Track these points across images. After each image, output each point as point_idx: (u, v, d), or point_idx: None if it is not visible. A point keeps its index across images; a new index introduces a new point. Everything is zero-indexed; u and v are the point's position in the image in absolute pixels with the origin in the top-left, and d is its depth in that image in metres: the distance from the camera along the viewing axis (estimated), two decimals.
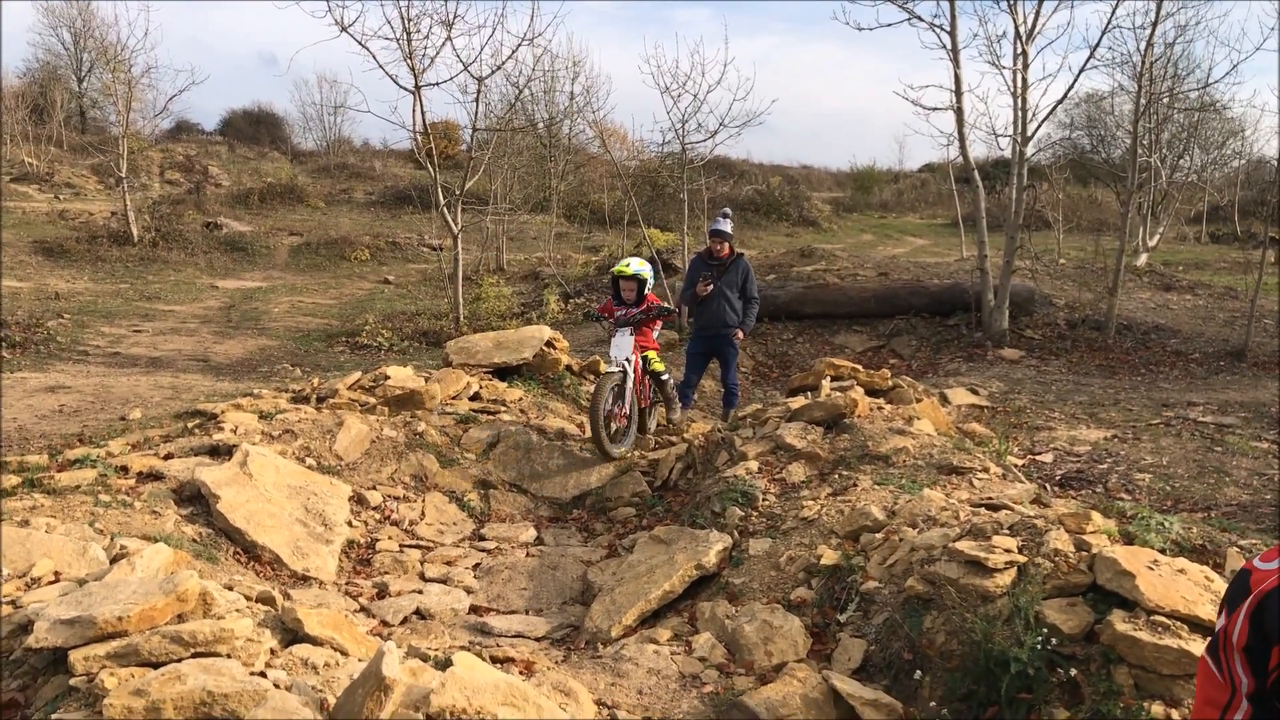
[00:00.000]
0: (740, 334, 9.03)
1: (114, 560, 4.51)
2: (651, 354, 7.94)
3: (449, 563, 6.24)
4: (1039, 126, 12.99)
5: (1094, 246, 16.95)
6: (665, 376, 8.06)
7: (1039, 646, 4.06)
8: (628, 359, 7.48)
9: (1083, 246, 18.81)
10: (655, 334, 8.09)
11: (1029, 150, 13.24)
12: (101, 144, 26.77)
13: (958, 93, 12.91)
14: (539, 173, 21.82)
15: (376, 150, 38.89)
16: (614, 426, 7.50)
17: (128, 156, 19.67)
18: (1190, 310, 14.12)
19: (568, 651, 5.16)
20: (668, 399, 8.24)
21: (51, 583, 4.25)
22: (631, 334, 7.57)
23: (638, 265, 7.79)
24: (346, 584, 5.80)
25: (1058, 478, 7.23)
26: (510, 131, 18.03)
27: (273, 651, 3.53)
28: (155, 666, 3.21)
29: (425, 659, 3.64)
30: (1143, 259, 18.08)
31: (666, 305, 7.90)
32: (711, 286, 8.85)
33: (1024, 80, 12.64)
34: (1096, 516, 4.64)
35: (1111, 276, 12.59)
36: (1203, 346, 12.00)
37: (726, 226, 9.06)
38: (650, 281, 7.87)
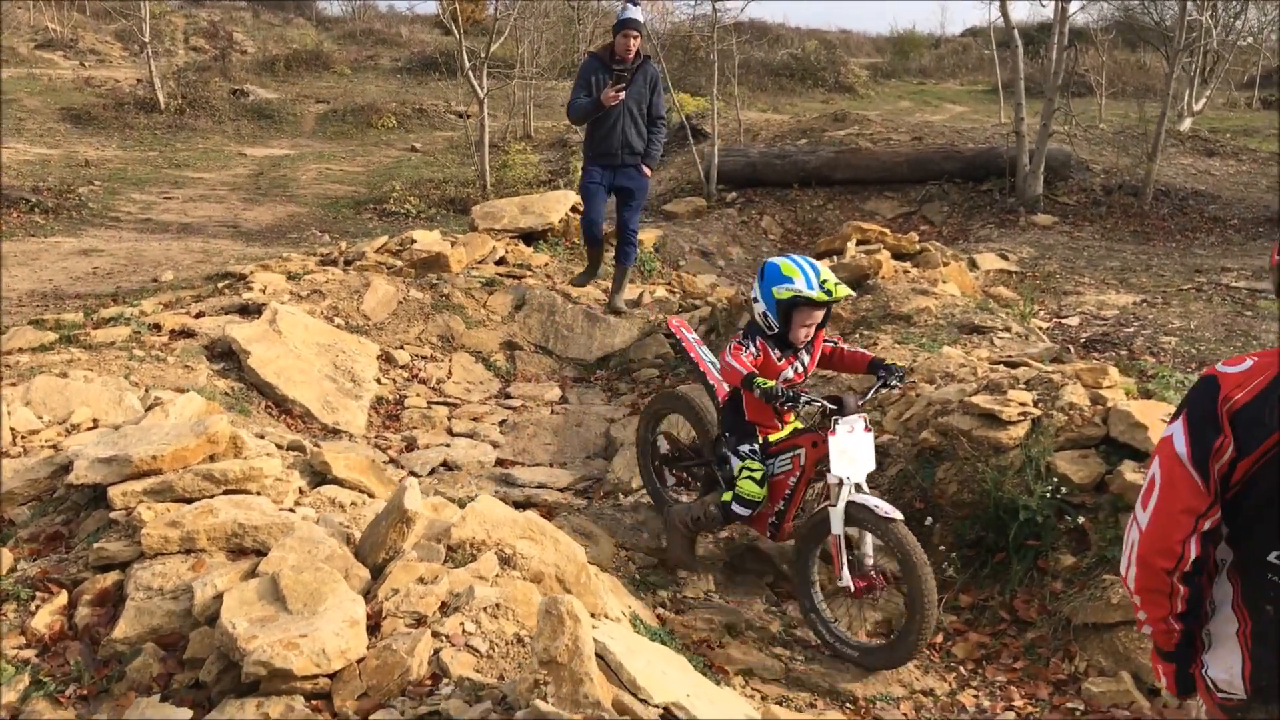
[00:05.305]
0: (648, 170, 7.37)
1: (149, 409, 4.65)
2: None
3: (476, 419, 6.39)
4: None
5: (1137, 112, 16.44)
6: (740, 509, 4.12)
7: (1048, 495, 4.15)
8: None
9: (1126, 113, 18.25)
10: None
11: (1072, 6, 12.73)
12: (124, 9, 26.35)
13: None
14: (566, 36, 21.31)
15: (403, 15, 38.06)
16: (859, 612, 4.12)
17: (150, 22, 19.39)
18: (1233, 176, 13.75)
19: (590, 500, 5.33)
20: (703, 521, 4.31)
21: (90, 429, 4.41)
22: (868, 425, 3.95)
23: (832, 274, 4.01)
24: (376, 437, 5.97)
25: (1083, 340, 7.22)
26: None
27: (301, 491, 3.68)
28: (188, 502, 3.35)
29: (449, 499, 3.77)
30: (1187, 124, 17.51)
31: (889, 363, 4.10)
32: (625, 94, 6.96)
33: None
34: (1113, 371, 4.66)
35: (1151, 141, 12.24)
36: (1242, 213, 11.74)
37: (639, 14, 7.06)
38: None
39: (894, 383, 4.01)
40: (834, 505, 3.80)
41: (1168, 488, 1.78)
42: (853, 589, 3.83)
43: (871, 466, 3.89)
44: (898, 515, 3.69)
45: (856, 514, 3.77)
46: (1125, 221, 11.59)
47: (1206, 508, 1.73)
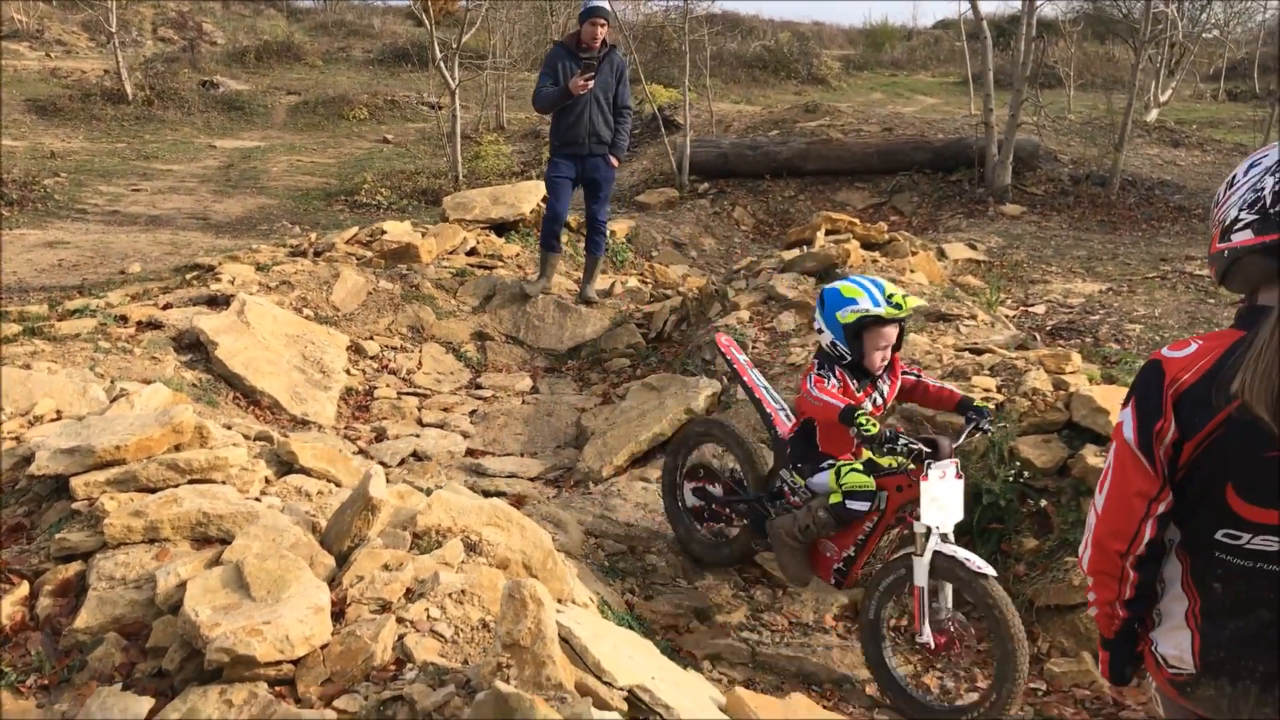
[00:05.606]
0: (615, 161, 7.29)
1: (114, 400, 4.62)
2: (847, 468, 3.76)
3: (446, 409, 6.38)
4: None
5: (1104, 103, 16.60)
6: (856, 504, 3.72)
7: (1011, 479, 4.20)
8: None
9: (1093, 104, 18.42)
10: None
11: None
12: None
13: None
14: (539, 27, 21.26)
15: (374, 6, 37.82)
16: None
17: (117, 12, 19.16)
18: (1198, 166, 13.92)
19: (560, 490, 5.35)
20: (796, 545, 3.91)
21: (53, 420, 4.37)
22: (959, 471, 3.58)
23: (899, 288, 3.81)
24: (345, 428, 5.95)
25: (1049, 327, 7.29)
26: None
27: (267, 480, 3.67)
28: (152, 492, 3.34)
29: (416, 488, 3.77)
30: (1153, 115, 17.70)
31: (979, 404, 3.76)
32: (593, 83, 6.88)
33: None
34: (1076, 357, 4.72)
35: (1118, 132, 12.36)
36: (1206, 202, 11.88)
37: (606, 2, 7.01)
38: None
39: (986, 426, 3.67)
40: (919, 555, 3.49)
41: (1119, 472, 1.82)
42: (933, 645, 3.53)
43: (960, 516, 3.54)
44: (990, 571, 3.39)
45: (943, 566, 3.47)
46: (1092, 211, 11.71)
47: (1157, 491, 1.77)
